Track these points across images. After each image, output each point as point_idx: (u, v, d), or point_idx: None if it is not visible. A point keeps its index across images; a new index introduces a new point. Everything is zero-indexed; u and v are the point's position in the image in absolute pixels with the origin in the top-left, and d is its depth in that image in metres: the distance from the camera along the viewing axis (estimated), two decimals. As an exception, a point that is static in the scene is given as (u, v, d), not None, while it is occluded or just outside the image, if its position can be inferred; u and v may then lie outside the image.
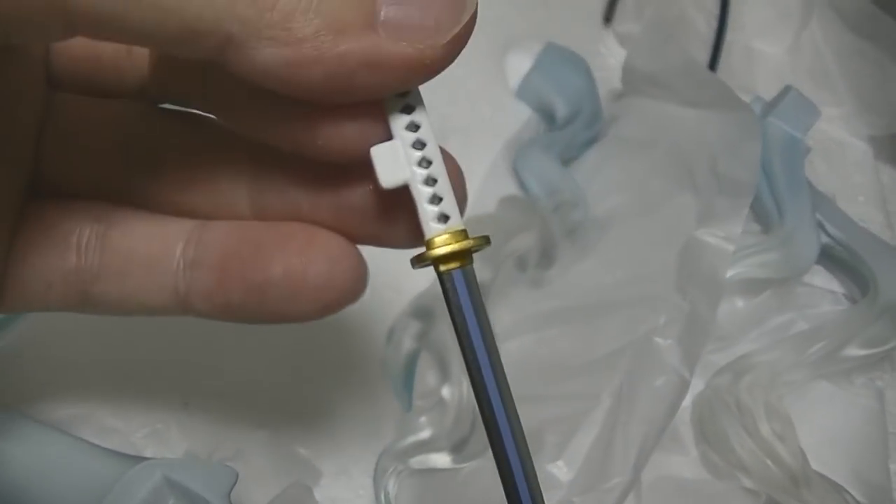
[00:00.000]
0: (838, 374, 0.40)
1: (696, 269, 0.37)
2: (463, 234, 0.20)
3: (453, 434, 0.32)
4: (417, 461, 0.33)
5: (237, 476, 0.30)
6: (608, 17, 0.49)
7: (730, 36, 0.51)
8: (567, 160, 0.43)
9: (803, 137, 0.44)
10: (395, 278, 0.38)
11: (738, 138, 0.41)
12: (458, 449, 0.32)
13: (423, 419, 0.33)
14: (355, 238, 0.22)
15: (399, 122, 0.20)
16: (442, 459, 0.33)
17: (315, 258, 0.20)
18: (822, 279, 0.43)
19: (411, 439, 0.33)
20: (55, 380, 0.34)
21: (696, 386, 0.38)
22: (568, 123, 0.43)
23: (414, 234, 0.21)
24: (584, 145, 0.43)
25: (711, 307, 0.37)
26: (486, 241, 0.21)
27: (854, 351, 0.40)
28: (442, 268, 0.20)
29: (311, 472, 0.34)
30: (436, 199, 0.20)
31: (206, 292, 0.21)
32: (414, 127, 0.20)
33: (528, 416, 0.34)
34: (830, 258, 0.43)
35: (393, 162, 0.20)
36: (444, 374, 0.33)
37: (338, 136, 0.20)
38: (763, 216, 0.43)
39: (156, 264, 0.22)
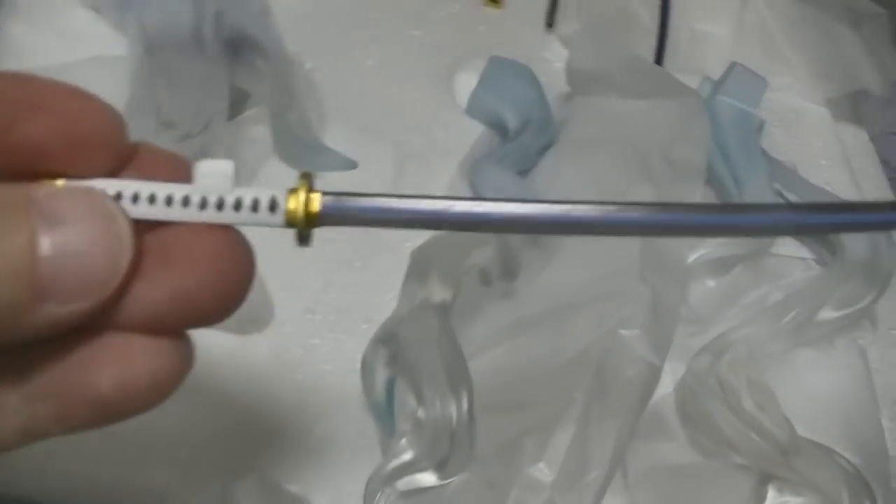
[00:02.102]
0: (818, 339, 0.41)
1: (658, 257, 0.38)
2: (282, 195, 0.19)
3: (434, 453, 0.33)
4: (404, 482, 0.33)
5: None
6: (550, 22, 0.50)
7: (674, 21, 0.51)
8: (525, 169, 0.44)
9: (754, 110, 0.45)
10: (368, 310, 0.39)
11: (686, 122, 0.42)
12: (441, 467, 0.33)
13: (403, 441, 0.33)
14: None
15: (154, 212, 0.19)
16: (428, 478, 0.33)
17: (136, 365, 0.20)
18: (789, 248, 0.43)
19: (395, 462, 0.33)
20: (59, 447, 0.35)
21: (678, 371, 0.39)
22: (520, 133, 0.44)
23: (216, 316, 0.21)
24: (540, 152, 0.44)
25: (677, 291, 0.37)
26: (306, 175, 0.20)
27: (830, 314, 0.40)
28: (313, 221, 0.20)
29: (305, 508, 0.35)
30: (238, 206, 0.19)
31: (54, 418, 0.21)
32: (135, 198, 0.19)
33: (507, 425, 0.35)
34: (796, 225, 0.43)
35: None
36: (418, 397, 0.34)
37: None
38: (723, 194, 0.43)
39: None
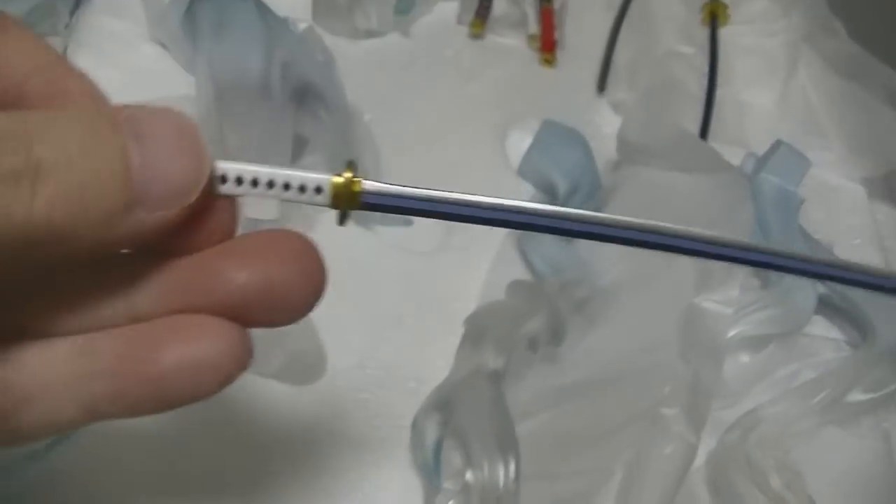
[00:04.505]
0: (846, 419, 0.42)
1: (697, 335, 0.39)
2: (328, 183, 0.22)
3: (479, 516, 0.34)
4: (448, 542, 0.35)
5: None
6: (601, 87, 0.52)
7: (720, 91, 0.53)
8: (571, 232, 0.45)
9: (796, 189, 0.46)
10: (417, 369, 0.41)
11: (729, 200, 0.43)
12: (485, 529, 0.35)
13: (452, 503, 0.35)
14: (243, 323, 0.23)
15: (229, 188, 0.22)
16: (471, 539, 0.35)
17: (202, 344, 0.22)
18: (822, 328, 0.45)
19: (441, 522, 0.35)
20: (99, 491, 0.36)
21: (709, 444, 0.40)
22: (569, 198, 0.45)
23: (297, 310, 0.23)
24: (586, 217, 0.46)
25: (714, 370, 0.39)
26: (350, 165, 0.22)
27: (858, 396, 0.42)
28: (350, 205, 0.22)
29: (350, 559, 0.36)
30: (287, 187, 0.22)
31: (110, 397, 0.22)
32: (239, 180, 0.22)
33: (544, 494, 0.36)
34: (829, 306, 0.45)
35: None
36: (468, 459, 0.35)
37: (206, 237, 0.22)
38: (761, 271, 0.45)
39: (56, 385, 0.22)
